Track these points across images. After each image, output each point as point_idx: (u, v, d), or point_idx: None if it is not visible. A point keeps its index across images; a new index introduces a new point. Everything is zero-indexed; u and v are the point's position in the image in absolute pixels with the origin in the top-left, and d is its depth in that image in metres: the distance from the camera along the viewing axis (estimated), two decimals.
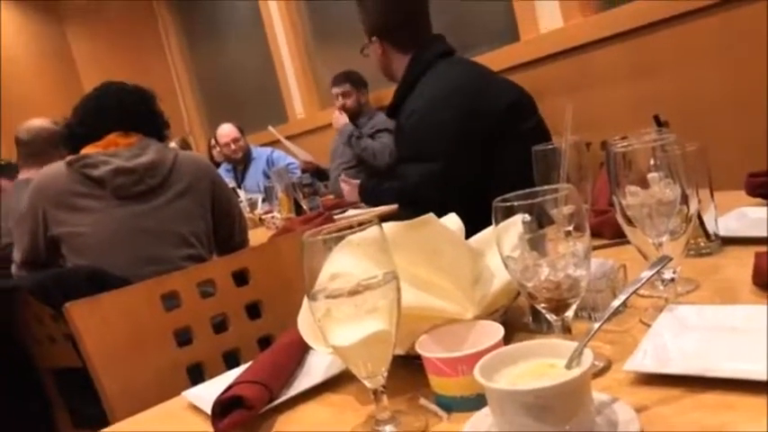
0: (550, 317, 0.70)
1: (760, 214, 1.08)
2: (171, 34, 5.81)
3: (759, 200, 1.17)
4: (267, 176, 3.91)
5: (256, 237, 2.34)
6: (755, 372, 0.58)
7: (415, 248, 0.80)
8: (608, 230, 1.14)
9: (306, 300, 0.73)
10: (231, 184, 3.59)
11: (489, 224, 0.70)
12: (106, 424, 0.96)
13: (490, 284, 0.82)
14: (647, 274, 0.71)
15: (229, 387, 0.79)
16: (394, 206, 2.15)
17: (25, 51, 5.23)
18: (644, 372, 0.65)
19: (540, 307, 0.70)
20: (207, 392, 0.86)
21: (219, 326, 1.32)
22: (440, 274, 0.81)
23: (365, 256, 0.66)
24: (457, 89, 1.88)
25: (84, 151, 1.85)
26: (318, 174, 3.78)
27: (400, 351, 0.75)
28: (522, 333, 0.85)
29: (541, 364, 0.59)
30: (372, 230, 0.66)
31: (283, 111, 4.69)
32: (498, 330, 0.72)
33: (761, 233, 0.97)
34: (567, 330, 0.70)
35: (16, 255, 1.90)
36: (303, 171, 3.83)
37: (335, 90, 3.70)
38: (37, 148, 2.67)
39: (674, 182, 0.78)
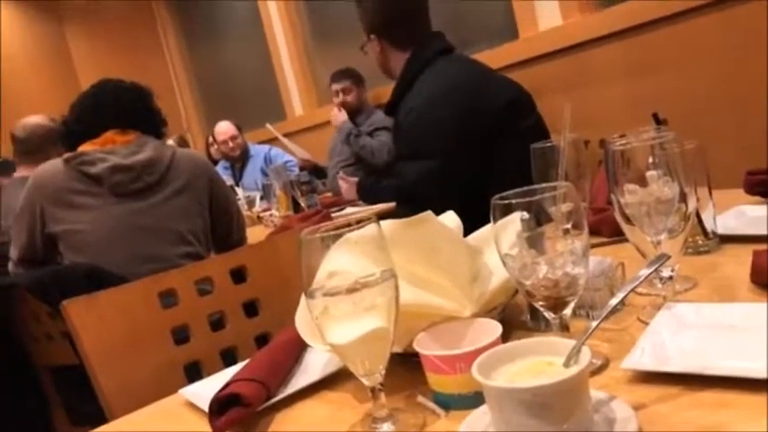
0: (548, 315, 0.70)
1: (758, 212, 1.08)
2: (169, 33, 5.80)
3: (757, 198, 1.17)
4: (265, 174, 3.91)
5: (254, 234, 2.34)
6: (753, 370, 0.58)
7: (413, 246, 0.80)
8: (606, 228, 1.14)
9: (303, 297, 0.73)
10: (229, 181, 3.59)
11: (487, 222, 0.70)
12: (103, 421, 0.96)
13: (488, 282, 0.82)
14: (645, 272, 0.71)
15: (227, 385, 0.79)
16: (392, 204, 2.15)
17: (24, 50, 5.21)
18: (642, 370, 0.65)
19: (538, 305, 0.70)
20: (204, 390, 0.85)
21: (217, 323, 1.32)
22: (438, 272, 0.81)
23: (363, 254, 0.66)
24: (455, 87, 1.88)
25: (82, 149, 1.84)
26: (316, 171, 3.78)
27: (398, 349, 0.74)
28: (520, 331, 0.85)
29: (539, 362, 0.59)
30: (370, 228, 0.66)
31: (281, 108, 4.69)
32: (496, 328, 0.72)
33: (759, 231, 0.97)
34: (564, 328, 0.70)
35: (13, 252, 1.90)
36: (301, 169, 3.83)
37: (335, 86, 3.69)
38: (33, 146, 2.66)
39: (673, 180, 0.78)
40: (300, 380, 0.85)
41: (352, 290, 0.65)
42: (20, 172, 2.68)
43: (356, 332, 0.65)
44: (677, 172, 0.78)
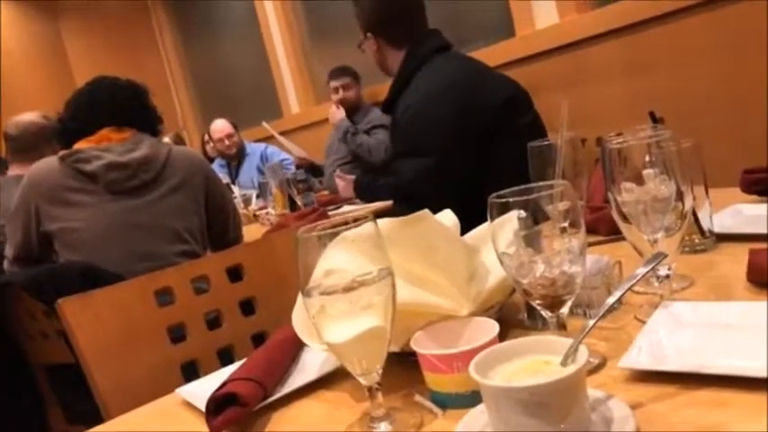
0: (545, 313, 0.70)
1: (755, 211, 1.08)
2: (165, 31, 5.79)
3: (754, 196, 1.17)
4: (261, 172, 3.90)
5: (250, 233, 2.34)
6: (751, 368, 0.58)
7: (410, 245, 0.80)
8: (603, 227, 1.14)
9: (300, 296, 0.73)
10: (225, 179, 3.58)
11: (484, 220, 0.70)
12: (99, 420, 0.95)
13: (485, 281, 0.82)
14: (642, 270, 0.71)
15: (223, 384, 0.79)
16: (389, 202, 2.15)
17: (20, 47, 5.19)
18: (639, 369, 0.65)
19: (536, 304, 0.70)
20: (201, 389, 0.85)
21: (213, 322, 1.32)
22: (435, 271, 0.81)
23: (360, 253, 0.66)
24: (452, 84, 1.88)
25: (77, 146, 1.83)
26: (313, 170, 3.77)
27: (395, 348, 0.74)
28: (518, 330, 0.85)
29: (536, 361, 0.59)
30: (367, 226, 0.66)
31: (278, 106, 4.68)
32: (493, 327, 0.72)
33: (756, 230, 0.97)
34: (562, 327, 0.70)
35: (8, 250, 1.89)
36: (297, 167, 3.82)
37: (335, 83, 3.68)
38: (26, 144, 2.63)
39: (670, 178, 0.78)
40: (297, 379, 0.85)
41: (348, 288, 0.65)
42: (13, 170, 2.66)
43: (353, 331, 0.65)
44: (674, 170, 0.78)
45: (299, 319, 0.84)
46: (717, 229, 1.01)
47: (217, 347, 1.30)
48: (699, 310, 0.74)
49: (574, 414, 0.54)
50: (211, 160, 4.31)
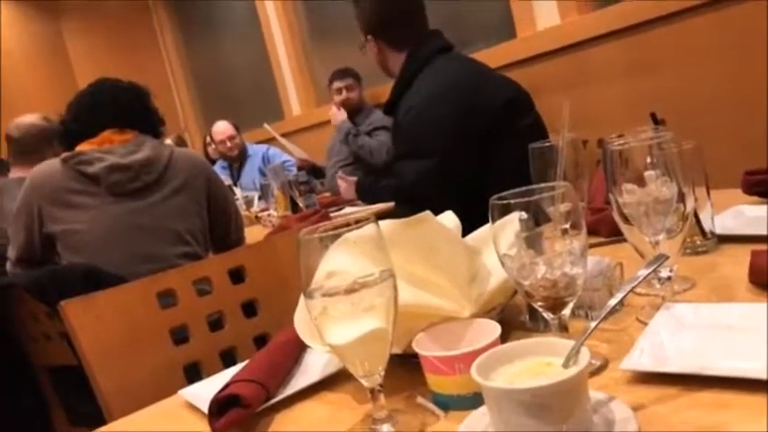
0: (547, 315, 0.70)
1: (756, 212, 1.08)
2: (166, 32, 5.80)
3: (756, 198, 1.17)
4: (263, 174, 3.91)
5: (252, 234, 2.34)
6: (752, 370, 0.58)
7: (411, 246, 0.80)
8: (604, 228, 1.14)
9: (302, 298, 0.73)
10: (227, 181, 3.58)
11: (486, 222, 0.70)
12: (102, 422, 0.96)
13: (487, 282, 0.82)
14: (643, 272, 0.71)
15: (226, 386, 0.79)
16: (391, 204, 2.15)
17: (21, 48, 5.20)
18: (641, 370, 0.65)
19: (537, 305, 0.70)
20: (203, 391, 0.85)
21: (215, 324, 1.32)
22: (437, 272, 0.81)
23: (362, 254, 0.66)
24: (454, 85, 1.88)
25: (79, 148, 1.84)
26: (315, 171, 3.77)
27: (397, 349, 0.74)
28: (519, 331, 0.85)
29: (538, 363, 0.59)
30: (369, 228, 0.66)
31: (279, 108, 4.68)
32: (495, 329, 0.72)
33: (757, 231, 0.97)
34: (563, 329, 0.70)
35: (11, 252, 1.89)
36: (299, 168, 3.82)
37: (338, 84, 3.67)
38: (27, 146, 2.63)
39: (671, 180, 0.78)
40: (300, 381, 0.85)
41: (350, 290, 0.65)
42: (14, 173, 2.65)
43: (355, 333, 0.65)
44: (675, 172, 0.78)
45: (301, 321, 0.84)
46: (718, 231, 1.01)
47: (219, 349, 1.30)
48: (700, 312, 0.74)
49: (575, 416, 0.54)
50: (213, 162, 4.31)
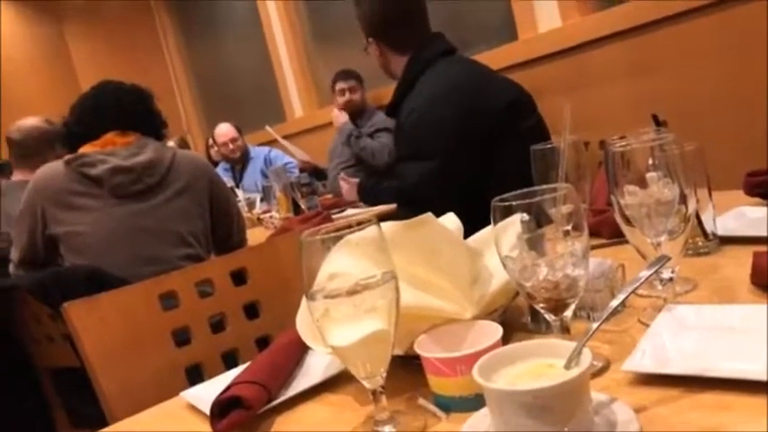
0: (549, 317, 0.70)
1: (758, 214, 1.08)
2: (169, 34, 5.81)
3: (757, 199, 1.17)
4: (265, 176, 3.91)
5: (254, 236, 2.34)
6: (754, 372, 0.58)
7: (413, 248, 0.80)
8: (606, 230, 1.14)
9: (304, 299, 0.73)
10: (229, 183, 3.58)
11: (488, 224, 0.70)
12: (105, 424, 0.96)
13: (489, 284, 0.82)
14: (645, 273, 0.71)
15: (228, 387, 0.79)
16: (393, 205, 2.15)
17: (23, 51, 5.22)
18: (642, 372, 0.65)
19: (539, 307, 0.70)
20: (205, 393, 0.85)
21: (217, 326, 1.32)
22: (438, 274, 0.81)
23: (364, 256, 0.66)
24: (456, 87, 1.88)
25: (82, 150, 1.84)
26: (316, 173, 3.78)
27: (399, 351, 0.75)
28: (521, 333, 0.85)
29: (540, 365, 0.59)
30: (371, 230, 0.66)
31: (281, 110, 4.69)
32: (497, 330, 0.72)
33: (759, 232, 0.97)
34: (565, 330, 0.70)
35: (14, 254, 1.90)
36: (301, 170, 3.83)
37: (341, 85, 3.67)
38: (29, 149, 2.62)
39: (673, 181, 0.78)
40: (301, 382, 0.85)
41: (352, 292, 0.65)
42: (16, 175, 2.65)
43: (357, 334, 0.65)
44: (677, 173, 0.78)
45: (303, 323, 0.84)
46: (720, 232, 1.01)
47: (221, 351, 1.30)
48: (702, 314, 0.74)
49: (577, 417, 0.54)
50: (215, 164, 4.32)
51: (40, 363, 1.94)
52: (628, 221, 0.82)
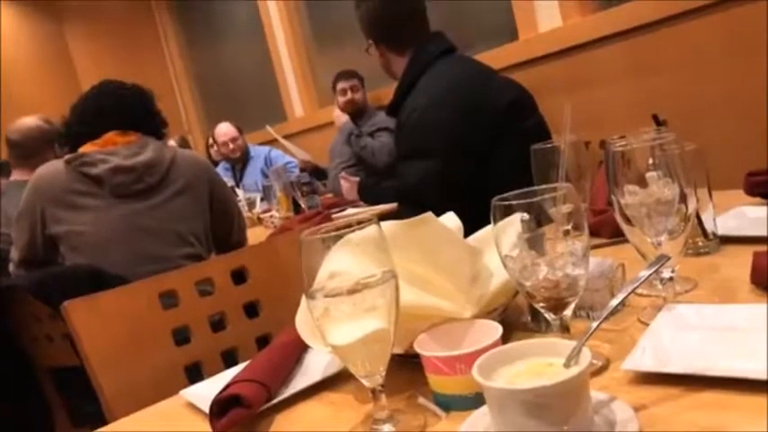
0: (549, 316, 0.70)
1: (758, 213, 1.08)
2: (169, 34, 5.81)
3: (758, 199, 1.17)
4: (265, 175, 3.91)
5: (255, 236, 2.34)
6: (754, 371, 0.58)
7: (413, 247, 0.80)
8: (606, 230, 1.14)
9: (304, 298, 0.73)
10: (229, 183, 3.59)
11: (488, 223, 0.70)
12: (104, 422, 0.96)
13: (488, 283, 0.82)
14: (645, 273, 0.71)
15: (227, 386, 0.79)
16: (393, 205, 2.15)
17: (24, 51, 5.22)
18: (642, 371, 0.65)
19: (539, 306, 0.70)
20: (205, 391, 0.85)
21: (217, 325, 1.32)
22: (438, 273, 0.81)
23: (364, 255, 0.66)
24: (457, 87, 1.88)
25: (83, 150, 1.84)
26: (317, 173, 3.78)
27: (399, 350, 0.75)
28: (521, 332, 0.85)
29: (539, 363, 0.59)
30: (371, 229, 0.66)
31: (282, 109, 4.69)
32: (496, 329, 0.72)
33: (759, 232, 0.97)
34: (565, 329, 0.70)
35: (14, 253, 1.90)
36: (301, 170, 3.83)
37: (342, 85, 3.66)
38: (28, 149, 2.62)
39: (673, 181, 0.78)
40: (301, 381, 0.85)
41: (352, 291, 0.65)
42: (15, 175, 2.65)
43: (357, 333, 0.65)
44: (677, 173, 0.78)
45: (303, 322, 0.84)
46: (720, 232, 1.01)
47: (221, 350, 1.30)
48: (702, 313, 0.74)
49: (577, 416, 0.54)
50: (216, 164, 4.32)
51: (40, 362, 1.94)
52: (628, 221, 0.82)
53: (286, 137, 4.28)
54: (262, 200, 3.27)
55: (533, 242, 0.68)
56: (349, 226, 0.66)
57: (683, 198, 0.81)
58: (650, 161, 0.78)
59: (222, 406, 0.76)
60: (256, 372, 0.82)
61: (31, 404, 1.98)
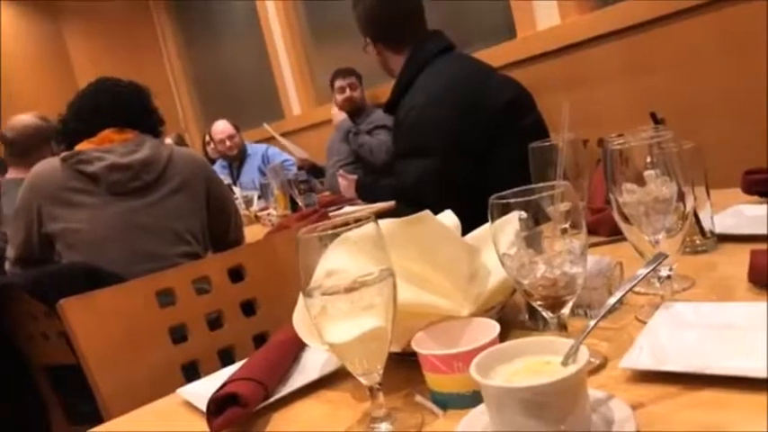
0: (546, 314, 0.70)
1: (756, 211, 1.08)
2: (167, 32, 5.80)
3: (755, 197, 1.17)
4: (263, 173, 3.91)
5: (252, 234, 2.34)
6: (752, 369, 0.58)
7: (411, 245, 0.80)
8: (604, 228, 1.14)
9: (301, 297, 0.73)
10: (226, 180, 3.58)
11: (486, 221, 0.70)
12: (101, 421, 0.96)
13: (486, 282, 0.82)
14: (643, 271, 0.71)
15: (224, 384, 0.79)
16: (391, 203, 2.15)
17: (22, 50, 5.21)
18: (640, 369, 0.65)
19: (537, 304, 0.70)
20: (202, 390, 0.85)
21: (214, 323, 1.32)
22: (436, 271, 0.81)
23: (361, 253, 0.66)
24: (455, 85, 1.88)
25: (79, 147, 1.84)
26: (314, 170, 3.77)
27: (396, 348, 0.74)
28: (518, 330, 0.85)
29: (537, 362, 0.59)
30: (368, 227, 0.66)
31: (279, 107, 4.68)
32: (494, 327, 0.72)
33: (757, 230, 0.97)
34: (562, 327, 0.70)
35: (10, 252, 1.89)
36: (299, 168, 3.82)
37: (340, 83, 3.65)
38: (24, 146, 2.61)
39: (671, 179, 0.78)
40: (298, 379, 0.85)
41: (350, 289, 0.65)
42: (11, 174, 2.64)
43: (354, 331, 0.65)
44: (675, 171, 0.78)
45: (300, 320, 0.84)
46: (718, 230, 1.01)
47: (218, 348, 1.30)
48: (700, 311, 0.74)
49: (574, 414, 0.54)
50: (213, 161, 4.31)
51: (36, 360, 1.93)
52: (626, 219, 0.82)
53: (283, 135, 4.27)
54: (259, 198, 3.26)
55: (531, 240, 0.68)
56: (346, 224, 0.66)
57: (681, 196, 0.81)
58: (648, 159, 0.78)
59: (219, 404, 0.76)
60: (253, 370, 0.82)
61: (27, 403, 1.97)
